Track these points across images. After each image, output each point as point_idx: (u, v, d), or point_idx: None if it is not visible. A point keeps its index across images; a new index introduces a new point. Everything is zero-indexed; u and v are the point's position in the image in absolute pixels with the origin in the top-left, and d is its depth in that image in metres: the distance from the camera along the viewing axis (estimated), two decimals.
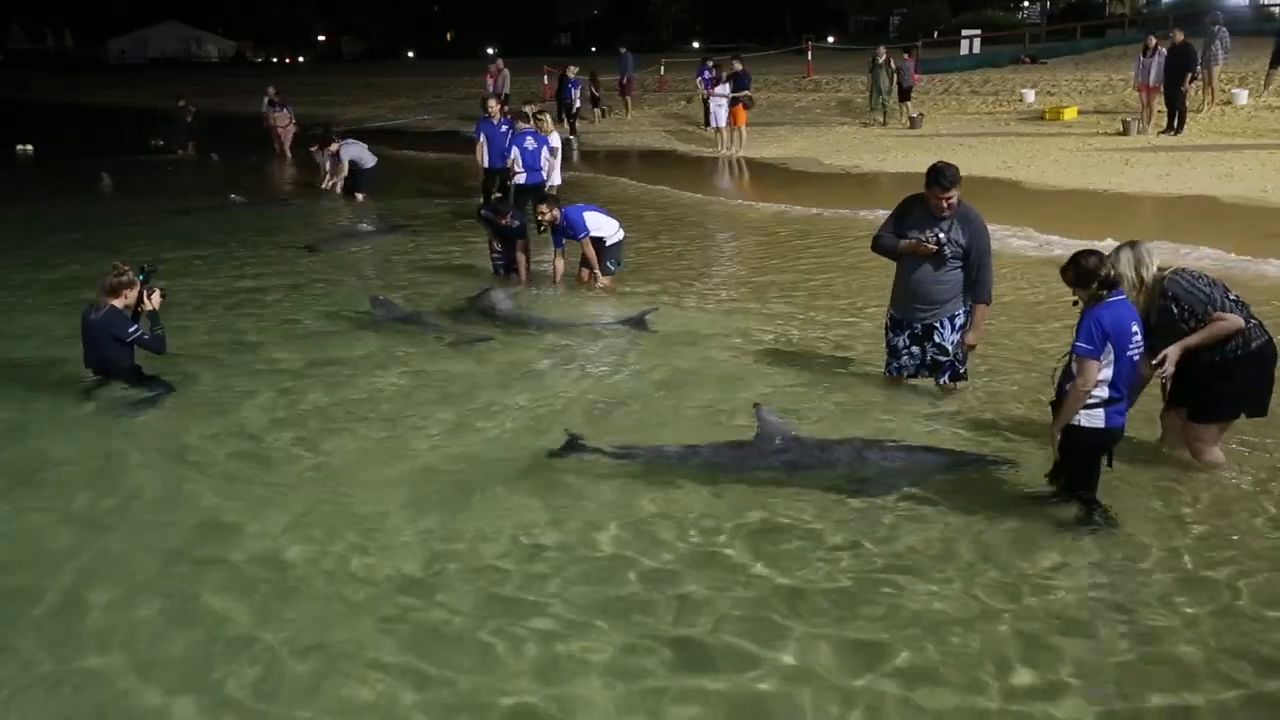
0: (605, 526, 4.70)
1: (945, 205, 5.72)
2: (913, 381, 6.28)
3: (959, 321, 6.00)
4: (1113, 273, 4.39)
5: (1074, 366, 4.42)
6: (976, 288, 5.91)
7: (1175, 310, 4.78)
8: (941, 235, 5.74)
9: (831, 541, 4.52)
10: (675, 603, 4.06)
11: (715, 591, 4.13)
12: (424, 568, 4.39)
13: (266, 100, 22.03)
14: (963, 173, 5.84)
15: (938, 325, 6.01)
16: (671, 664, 3.68)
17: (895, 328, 6.22)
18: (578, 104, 23.59)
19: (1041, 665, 3.61)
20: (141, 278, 6.49)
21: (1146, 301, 4.79)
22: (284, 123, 21.59)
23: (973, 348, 6.08)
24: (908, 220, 5.94)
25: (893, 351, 6.26)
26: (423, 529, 4.73)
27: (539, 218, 9.16)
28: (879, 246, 6.12)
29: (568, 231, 9.10)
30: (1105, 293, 4.36)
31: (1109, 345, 4.29)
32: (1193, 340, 4.76)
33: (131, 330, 6.33)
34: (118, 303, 6.35)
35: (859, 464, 5.08)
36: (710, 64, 20.31)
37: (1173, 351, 4.76)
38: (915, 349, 6.14)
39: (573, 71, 23.83)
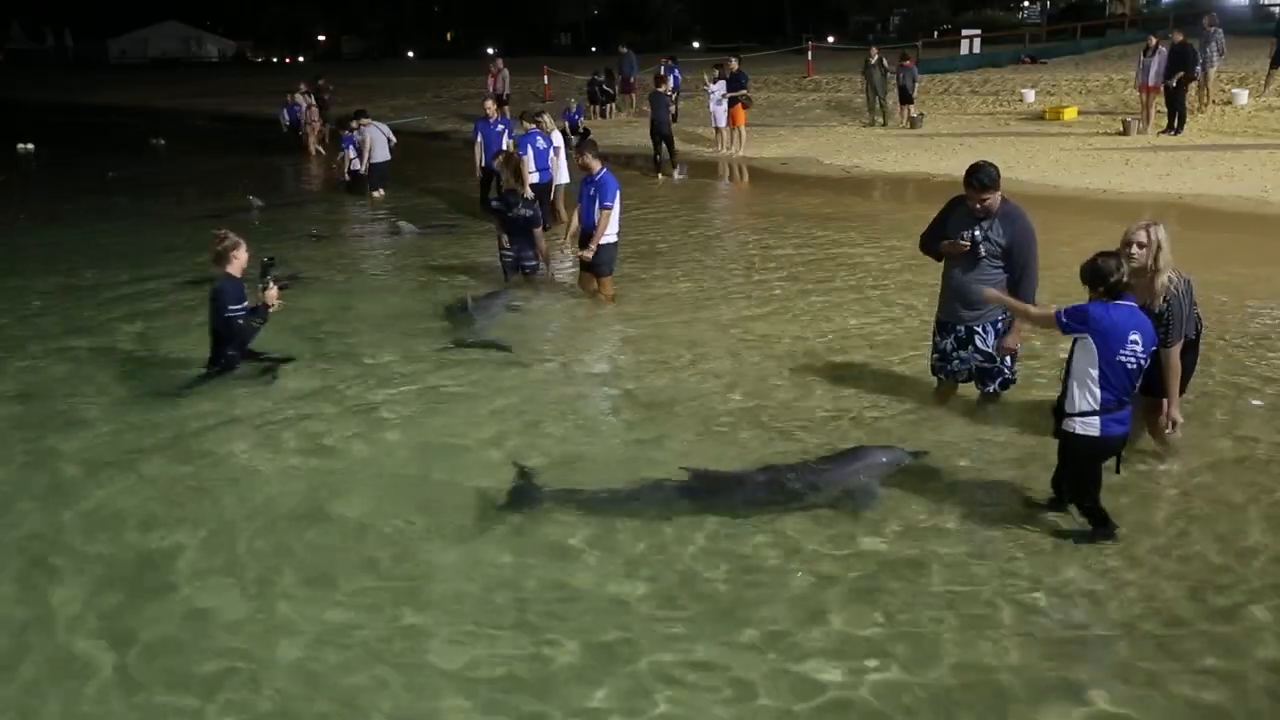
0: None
1: (979, 206, 5.60)
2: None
3: (1001, 326, 5.83)
4: (1117, 279, 4.30)
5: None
6: (1018, 291, 5.65)
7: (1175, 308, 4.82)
8: (977, 234, 5.63)
9: (814, 549, 4.55)
10: None
11: None
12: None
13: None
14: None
15: (979, 330, 5.86)
16: None
17: (941, 330, 6.08)
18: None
19: (1032, 685, 3.60)
20: (264, 271, 6.41)
21: (1161, 285, 4.81)
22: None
23: (1012, 351, 5.90)
24: (951, 220, 5.82)
25: (942, 355, 6.10)
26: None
27: (579, 159, 8.81)
28: (923, 246, 6.06)
29: (600, 190, 8.68)
30: (1112, 297, 4.30)
31: (1089, 339, 4.25)
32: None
33: (234, 307, 6.24)
34: (231, 269, 6.29)
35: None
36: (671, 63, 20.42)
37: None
38: (963, 352, 5.99)
39: None
